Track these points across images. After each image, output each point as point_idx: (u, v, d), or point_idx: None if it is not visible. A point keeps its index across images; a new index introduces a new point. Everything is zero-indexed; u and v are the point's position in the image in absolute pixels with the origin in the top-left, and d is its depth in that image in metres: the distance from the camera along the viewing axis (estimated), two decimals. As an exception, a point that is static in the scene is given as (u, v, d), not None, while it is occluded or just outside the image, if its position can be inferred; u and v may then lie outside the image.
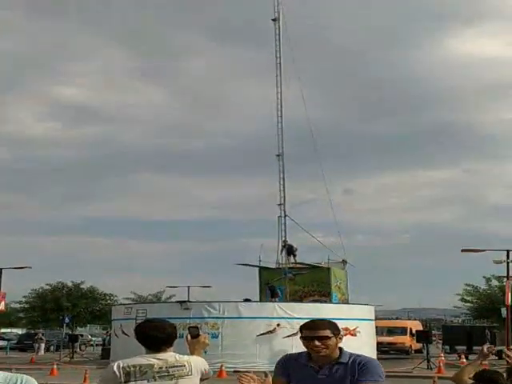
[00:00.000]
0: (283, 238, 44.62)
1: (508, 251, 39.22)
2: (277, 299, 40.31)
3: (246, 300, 40.93)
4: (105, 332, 67.46)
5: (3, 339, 64.23)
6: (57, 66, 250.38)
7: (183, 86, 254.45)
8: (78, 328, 67.75)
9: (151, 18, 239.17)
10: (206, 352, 6.34)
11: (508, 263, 39.16)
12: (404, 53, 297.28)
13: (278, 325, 36.51)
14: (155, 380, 5.50)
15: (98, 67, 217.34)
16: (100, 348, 54.29)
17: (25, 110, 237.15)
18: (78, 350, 53.11)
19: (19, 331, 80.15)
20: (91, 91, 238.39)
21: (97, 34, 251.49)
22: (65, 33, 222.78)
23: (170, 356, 5.62)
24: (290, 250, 44.49)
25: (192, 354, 5.99)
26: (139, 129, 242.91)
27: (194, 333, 6.15)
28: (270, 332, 36.34)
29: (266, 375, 4.82)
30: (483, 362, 7.20)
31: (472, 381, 6.86)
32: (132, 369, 5.49)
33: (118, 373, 5.46)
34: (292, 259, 44.74)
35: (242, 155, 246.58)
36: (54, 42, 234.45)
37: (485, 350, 7.12)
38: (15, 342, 64.77)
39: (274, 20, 46.41)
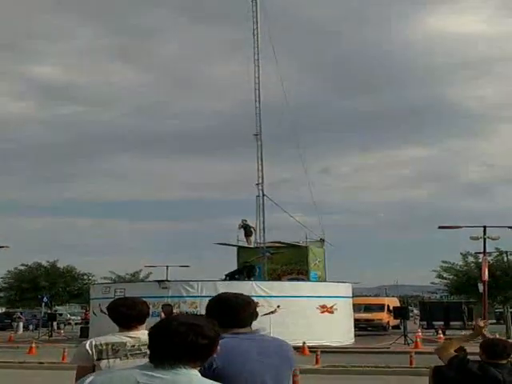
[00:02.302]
0: (243, 219, 45.11)
1: (485, 227, 39.48)
2: (251, 278, 40.35)
3: (229, 275, 41.11)
4: (84, 311, 67.30)
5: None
6: (30, 45, 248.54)
7: (158, 65, 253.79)
8: (57, 307, 67.48)
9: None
10: None
11: (484, 239, 39.43)
12: (384, 28, 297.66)
13: (256, 303, 36.46)
14: (127, 358, 5.48)
15: (72, 47, 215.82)
16: (79, 327, 54.19)
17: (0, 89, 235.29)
18: (57, 328, 53.00)
19: (-3, 310, 79.90)
20: (65, 71, 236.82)
21: (71, 12, 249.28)
22: (39, 12, 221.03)
23: (142, 334, 5.57)
24: (246, 231, 44.82)
25: None
26: (114, 109, 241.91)
27: (168, 310, 6.17)
28: (248, 310, 36.35)
29: None
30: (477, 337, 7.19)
31: (454, 353, 6.87)
32: (104, 347, 5.48)
33: (90, 351, 5.45)
34: (248, 240, 44.95)
35: (219, 135, 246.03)
36: (27, 22, 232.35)
37: (480, 323, 7.13)
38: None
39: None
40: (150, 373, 3.27)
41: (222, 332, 4.13)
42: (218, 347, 3.48)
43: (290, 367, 4.53)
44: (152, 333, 3.42)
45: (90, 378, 3.41)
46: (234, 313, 4.46)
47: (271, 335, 4.98)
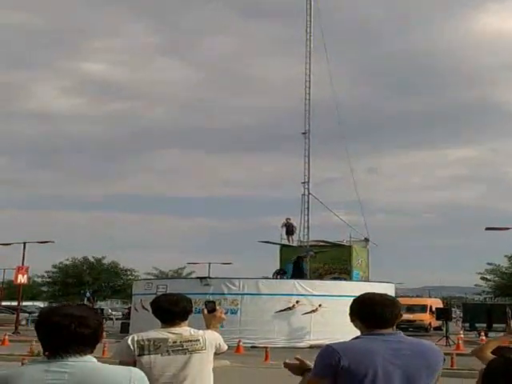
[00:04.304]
0: (287, 217, 45.00)
1: (531, 229, 38.97)
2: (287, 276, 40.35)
3: (278, 273, 41.20)
4: (126, 307, 67.90)
5: (25, 312, 64.81)
6: (82, 42, 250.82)
7: (208, 61, 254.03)
8: (99, 302, 68.16)
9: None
10: (222, 326, 6.35)
11: (530, 242, 38.95)
12: (434, 26, 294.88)
13: (298, 302, 36.54)
14: (169, 354, 5.51)
15: (123, 43, 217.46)
16: (119, 322, 54.58)
17: (51, 85, 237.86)
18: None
19: (41, 305, 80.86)
20: (116, 67, 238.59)
21: (122, 10, 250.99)
22: (91, 8, 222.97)
23: (184, 330, 5.64)
24: (288, 229, 44.75)
25: (208, 328, 6.02)
26: (164, 105, 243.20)
27: (211, 307, 6.17)
28: (289, 309, 36.39)
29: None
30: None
31: (492, 355, 6.77)
32: (146, 342, 5.51)
33: (132, 346, 5.48)
34: (290, 238, 44.90)
35: (268, 132, 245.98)
36: (79, 18, 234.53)
37: None
38: (36, 314, 65.32)
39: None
40: (50, 368, 3.43)
41: (365, 331, 4.42)
42: (346, 345, 4.13)
43: (430, 371, 4.36)
44: (38, 326, 3.55)
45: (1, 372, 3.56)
46: (377, 313, 4.40)
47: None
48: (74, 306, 3.70)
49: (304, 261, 42.05)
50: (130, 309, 54.79)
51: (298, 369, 4.49)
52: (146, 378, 3.59)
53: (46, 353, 3.52)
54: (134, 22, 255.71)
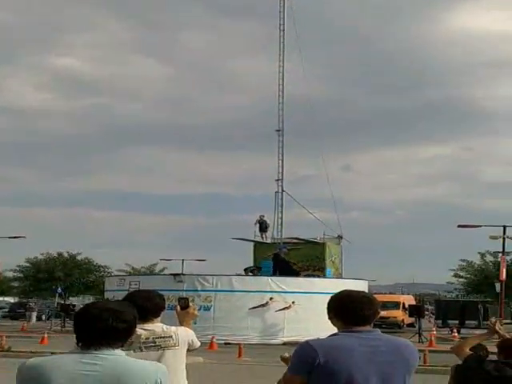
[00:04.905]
0: (261, 215, 45.16)
1: (504, 227, 39.23)
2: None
3: (252, 270, 41.24)
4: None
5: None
6: (55, 37, 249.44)
7: (183, 59, 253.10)
8: (71, 298, 67.79)
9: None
10: (195, 323, 6.31)
11: (504, 239, 39.18)
12: (406, 26, 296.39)
13: (271, 298, 36.55)
14: (141, 350, 5.44)
15: (96, 39, 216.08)
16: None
17: (22, 81, 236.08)
18: (69, 319, 53.14)
19: (11, 300, 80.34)
20: (89, 63, 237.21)
21: (96, 5, 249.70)
22: (63, 3, 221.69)
23: (157, 327, 5.60)
24: (261, 226, 44.81)
25: (181, 324, 5.99)
26: (138, 102, 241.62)
27: (184, 304, 6.14)
28: (263, 306, 36.39)
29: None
30: (491, 336, 7.11)
31: (470, 351, 6.78)
32: (118, 339, 5.38)
33: None
34: (264, 235, 44.98)
35: (240, 130, 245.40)
36: (52, 14, 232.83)
37: (495, 324, 7.04)
38: (7, 310, 64.99)
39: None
40: (84, 359, 3.60)
41: (342, 328, 4.33)
42: (323, 342, 4.20)
43: (405, 369, 4.34)
44: (76, 319, 3.75)
45: (29, 360, 3.78)
46: (356, 310, 4.34)
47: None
48: (114, 301, 4.01)
49: (286, 255, 42.03)
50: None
51: None
52: (167, 373, 3.76)
53: (80, 344, 3.68)
54: (108, 18, 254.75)
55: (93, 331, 3.62)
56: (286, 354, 4.61)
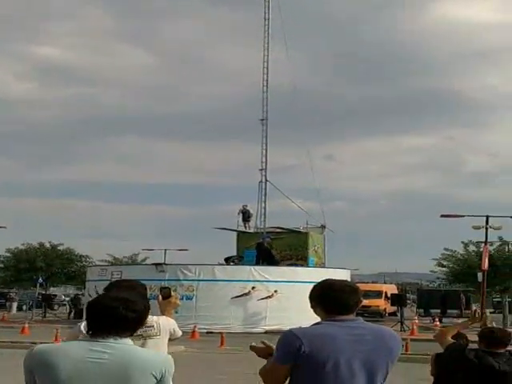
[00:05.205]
0: (243, 204, 45.22)
1: (487, 217, 39.34)
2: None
3: (233, 259, 41.24)
4: (80, 293, 67.27)
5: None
6: (36, 26, 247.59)
7: (165, 47, 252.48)
8: (52, 288, 67.53)
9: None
10: (177, 312, 6.32)
11: (486, 229, 39.29)
12: (392, 16, 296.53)
13: (253, 288, 36.58)
14: (122, 340, 5.34)
15: (81, 28, 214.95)
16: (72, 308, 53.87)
17: (3, 70, 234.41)
18: (50, 309, 52.92)
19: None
20: (71, 52, 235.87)
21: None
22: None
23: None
24: (244, 216, 44.86)
25: (163, 314, 6.04)
26: (119, 91, 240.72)
27: (166, 293, 6.20)
28: (245, 295, 36.42)
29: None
30: (473, 324, 7.17)
31: (452, 340, 6.81)
32: (99, 328, 5.34)
33: (85, 331, 5.34)
34: (247, 225, 45.05)
35: (224, 119, 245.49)
36: (33, 2, 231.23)
37: (478, 311, 7.15)
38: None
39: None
40: (92, 347, 3.66)
41: (325, 317, 4.37)
42: (307, 331, 4.22)
43: (388, 358, 4.33)
44: (88, 308, 3.84)
45: (37, 346, 3.80)
46: (339, 299, 4.33)
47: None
48: (125, 291, 4.20)
49: (269, 245, 41.96)
50: (76, 295, 54.29)
51: (264, 352, 4.48)
52: (173, 365, 3.84)
53: (90, 332, 3.78)
54: (92, 6, 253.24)
55: (103, 320, 3.72)
56: (254, 343, 4.58)
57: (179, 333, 6.08)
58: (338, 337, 4.21)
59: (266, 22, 45.17)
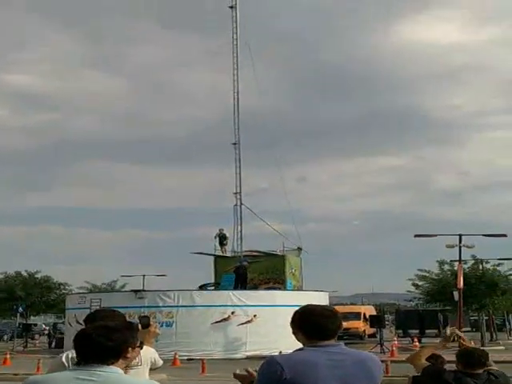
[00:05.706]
0: (220, 228, 45.22)
1: (460, 236, 39.58)
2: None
3: (204, 286, 41.24)
4: (60, 321, 66.77)
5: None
6: (4, 53, 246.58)
7: (134, 73, 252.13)
8: (32, 317, 67.00)
9: (101, 4, 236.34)
10: (157, 341, 6.36)
11: (460, 247, 39.54)
12: (358, 38, 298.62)
13: (233, 312, 36.59)
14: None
15: (45, 55, 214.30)
16: (54, 338, 53.62)
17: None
18: (31, 339, 52.56)
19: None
20: (39, 79, 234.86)
21: (45, 21, 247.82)
22: (12, 20, 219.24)
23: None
24: (221, 240, 44.93)
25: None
26: (88, 117, 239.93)
27: (145, 322, 6.15)
28: (225, 320, 36.41)
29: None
30: (446, 345, 7.08)
31: (426, 362, 6.86)
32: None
33: (66, 363, 5.35)
34: (223, 249, 45.07)
35: (197, 144, 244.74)
36: (2, 29, 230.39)
37: (448, 332, 7.06)
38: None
39: (231, 7, 46.81)
40: (79, 376, 3.77)
41: (307, 343, 4.40)
42: (289, 357, 4.26)
43: (370, 382, 4.39)
44: (75, 337, 3.98)
45: (30, 378, 3.96)
46: (320, 325, 4.38)
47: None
48: (111, 318, 4.43)
49: (247, 269, 41.99)
50: (56, 324, 53.87)
51: (247, 380, 4.52)
52: None
53: (78, 360, 3.92)
54: (58, 33, 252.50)
55: (86, 349, 3.87)
56: (238, 371, 4.63)
57: (160, 362, 6.11)
58: (319, 363, 4.24)
59: (234, 47, 45.90)
